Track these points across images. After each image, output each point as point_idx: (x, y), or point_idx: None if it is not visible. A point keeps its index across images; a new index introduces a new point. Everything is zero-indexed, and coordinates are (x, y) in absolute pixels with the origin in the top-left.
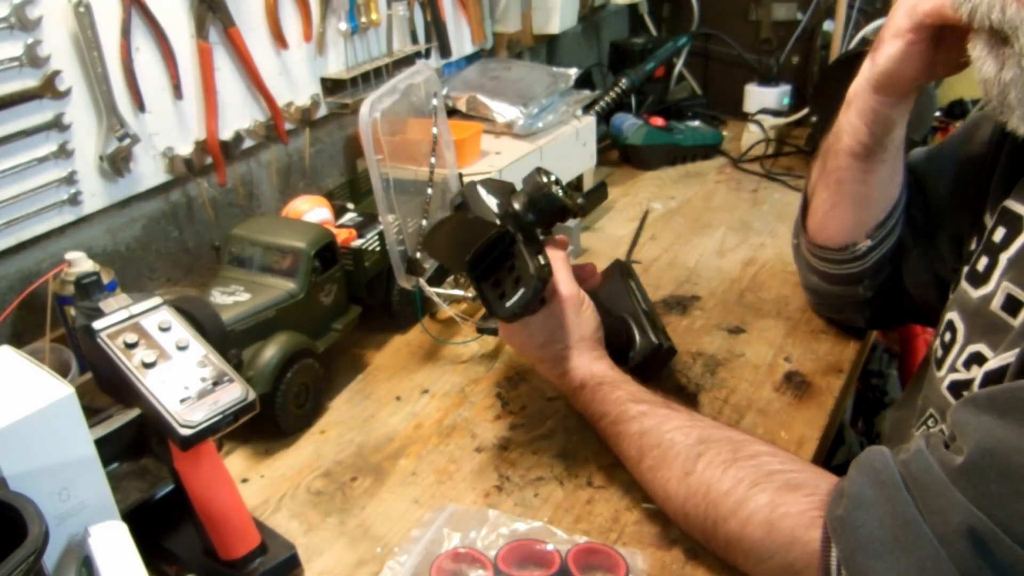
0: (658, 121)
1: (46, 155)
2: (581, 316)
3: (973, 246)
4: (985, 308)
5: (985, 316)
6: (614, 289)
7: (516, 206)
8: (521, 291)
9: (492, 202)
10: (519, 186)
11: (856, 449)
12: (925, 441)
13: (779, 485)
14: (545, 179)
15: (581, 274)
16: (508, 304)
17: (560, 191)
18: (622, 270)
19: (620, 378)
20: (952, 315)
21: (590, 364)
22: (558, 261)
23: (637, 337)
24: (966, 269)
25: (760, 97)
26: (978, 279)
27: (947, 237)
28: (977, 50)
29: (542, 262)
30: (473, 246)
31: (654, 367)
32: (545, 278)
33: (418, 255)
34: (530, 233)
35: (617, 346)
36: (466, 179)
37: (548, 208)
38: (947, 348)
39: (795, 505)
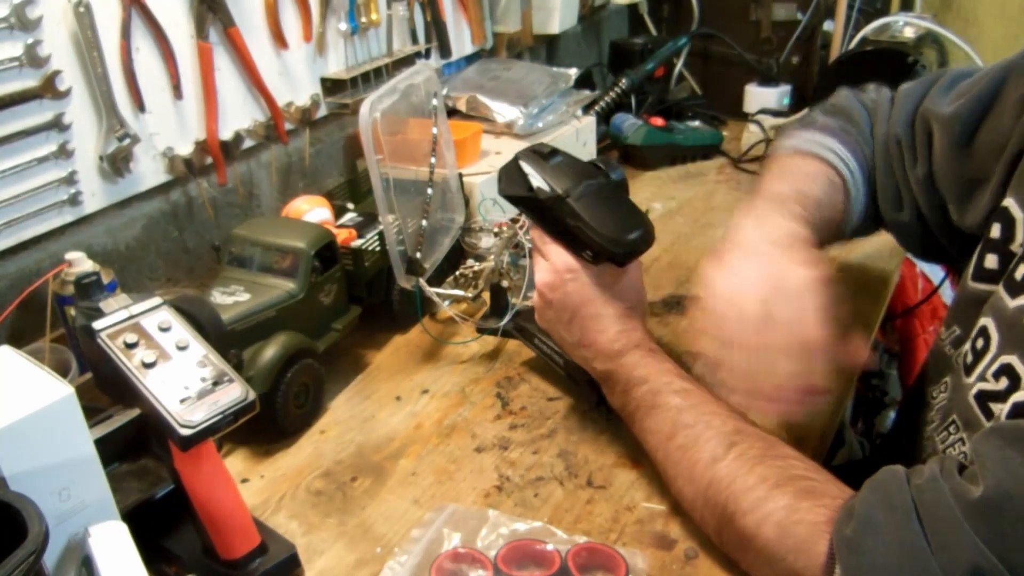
0: (658, 121)
1: (46, 155)
2: (643, 282)
3: (996, 233)
4: (1020, 319)
5: (1020, 328)
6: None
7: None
8: (641, 230)
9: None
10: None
11: (856, 449)
12: (940, 465)
13: (800, 489)
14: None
15: None
16: (631, 236)
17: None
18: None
19: (664, 353)
20: (986, 321)
21: (645, 330)
22: None
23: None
24: (996, 265)
25: (760, 97)
26: (1016, 288)
27: (937, 177)
28: None
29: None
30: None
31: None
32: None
33: (418, 255)
34: None
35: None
36: (467, 178)
37: (620, 183)
38: (978, 355)
39: (811, 513)
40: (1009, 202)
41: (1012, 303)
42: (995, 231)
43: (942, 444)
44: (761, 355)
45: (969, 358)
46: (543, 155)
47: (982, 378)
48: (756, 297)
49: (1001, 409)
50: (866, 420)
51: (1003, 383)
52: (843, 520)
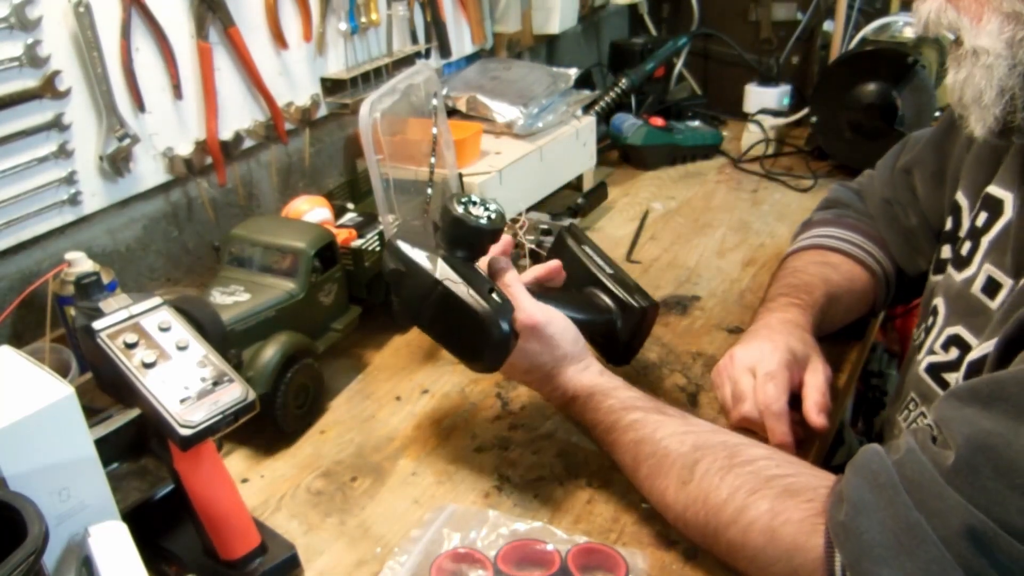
0: (658, 121)
1: (46, 155)
2: (553, 336)
3: (948, 226)
4: (966, 291)
5: (966, 298)
6: (571, 264)
7: (442, 247)
8: (487, 342)
9: (420, 255)
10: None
11: (856, 449)
12: (913, 438)
13: (778, 491)
14: (459, 208)
15: (547, 277)
16: (484, 353)
17: (476, 214)
18: (573, 236)
19: (611, 385)
20: (937, 300)
21: (576, 377)
22: (512, 287)
23: (615, 311)
24: (950, 255)
25: (760, 97)
26: (962, 263)
27: (931, 220)
28: (947, 58)
29: (499, 300)
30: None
31: (644, 329)
32: (507, 316)
33: None
34: (468, 271)
35: (600, 330)
36: (467, 178)
37: (471, 237)
38: (928, 332)
39: (795, 512)
40: (958, 195)
41: (959, 276)
42: (948, 224)
43: (904, 423)
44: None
45: (921, 337)
46: (392, 271)
47: (931, 351)
48: (744, 372)
49: (956, 377)
50: (866, 420)
51: (953, 353)
52: (834, 507)
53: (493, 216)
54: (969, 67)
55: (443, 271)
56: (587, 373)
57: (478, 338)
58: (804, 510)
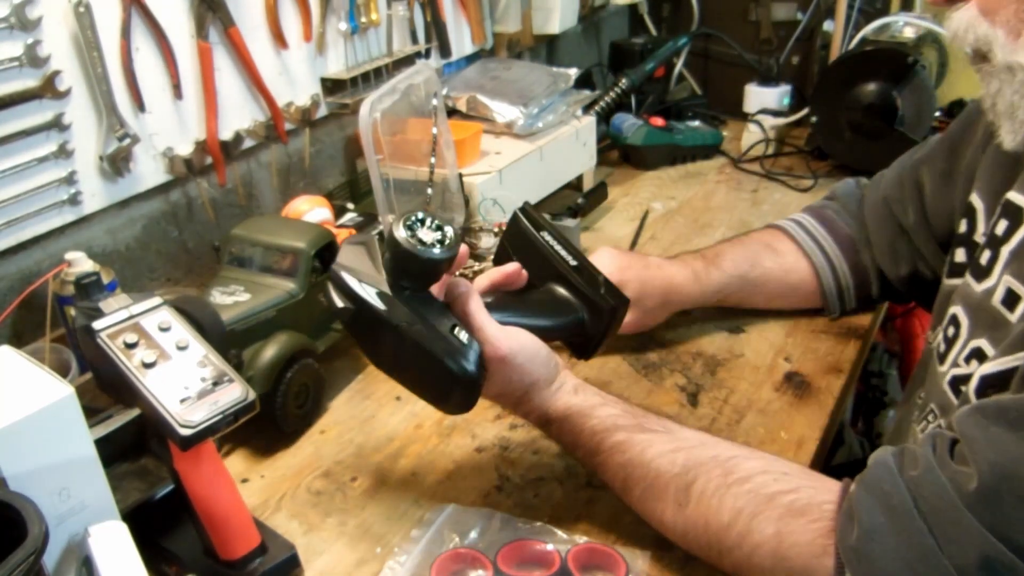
0: (658, 121)
1: (46, 155)
2: (523, 365)
3: (963, 228)
4: (987, 302)
5: (987, 310)
6: (529, 253)
7: (391, 277)
8: (454, 380)
9: (369, 292)
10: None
11: (856, 449)
12: (932, 449)
13: (782, 512)
14: (406, 235)
15: (505, 283)
16: (452, 393)
17: (427, 241)
18: (529, 220)
19: (587, 404)
20: (956, 309)
21: (549, 400)
22: (475, 316)
23: (581, 308)
24: (966, 259)
25: (760, 97)
26: (981, 273)
27: (932, 219)
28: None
29: (463, 340)
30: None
31: (614, 326)
32: (474, 356)
33: None
34: (425, 307)
35: (568, 331)
36: (467, 178)
37: (424, 267)
38: (950, 343)
39: (803, 534)
40: (973, 196)
41: (979, 287)
42: (962, 226)
43: (922, 434)
44: None
45: (942, 347)
46: (341, 311)
47: (955, 364)
48: None
49: (967, 388)
50: (866, 420)
51: (974, 366)
52: (845, 527)
53: (447, 240)
54: (1000, 82)
55: (397, 312)
56: (561, 394)
57: (444, 383)
58: (811, 531)
